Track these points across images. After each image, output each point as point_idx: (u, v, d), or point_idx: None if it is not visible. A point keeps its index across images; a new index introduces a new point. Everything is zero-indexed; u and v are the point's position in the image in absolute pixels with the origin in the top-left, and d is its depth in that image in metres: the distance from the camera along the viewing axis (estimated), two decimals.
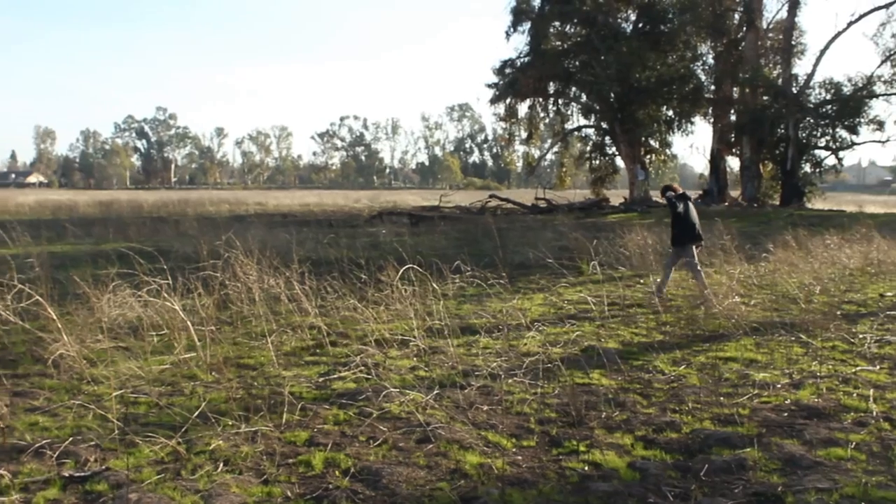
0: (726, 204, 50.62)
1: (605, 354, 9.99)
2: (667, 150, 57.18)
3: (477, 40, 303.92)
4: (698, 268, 15.15)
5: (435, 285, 12.23)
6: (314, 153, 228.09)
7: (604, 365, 9.64)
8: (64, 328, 9.84)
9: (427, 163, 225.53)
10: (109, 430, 7.30)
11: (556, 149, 66.54)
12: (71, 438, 7.11)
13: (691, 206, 15.70)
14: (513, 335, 11.50)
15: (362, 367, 9.47)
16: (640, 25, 54.95)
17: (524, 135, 62.76)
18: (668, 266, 15.81)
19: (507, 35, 58.43)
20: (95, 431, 7.40)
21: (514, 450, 6.96)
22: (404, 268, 11.14)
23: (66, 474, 6.37)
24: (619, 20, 56.06)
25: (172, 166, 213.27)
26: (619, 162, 58.47)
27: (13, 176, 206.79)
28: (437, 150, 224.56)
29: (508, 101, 58.95)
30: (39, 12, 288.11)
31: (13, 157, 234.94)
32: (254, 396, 8.49)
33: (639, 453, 6.87)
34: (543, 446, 7.07)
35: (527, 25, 57.05)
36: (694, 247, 15.43)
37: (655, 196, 49.53)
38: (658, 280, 15.49)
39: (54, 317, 9.62)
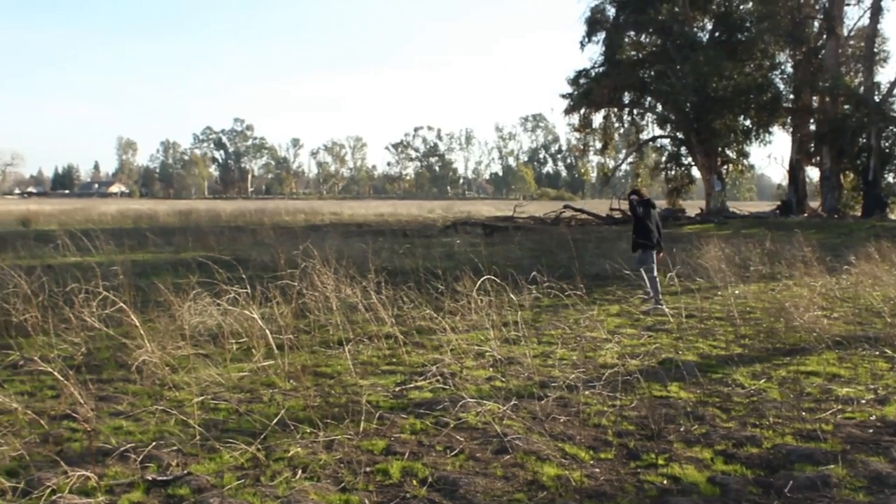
0: (805, 215, 49.79)
1: (684, 367, 9.87)
2: (744, 161, 56.38)
3: (551, 50, 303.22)
4: (654, 274, 15.37)
5: (511, 296, 12.20)
6: (388, 163, 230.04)
7: (682, 377, 9.53)
8: (146, 335, 10.06)
9: (501, 173, 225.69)
10: (191, 436, 7.42)
11: (630, 159, 66.04)
12: (154, 443, 7.24)
13: (653, 212, 16.17)
14: (589, 346, 11.42)
15: (438, 377, 9.50)
16: (717, 34, 54.37)
17: (599, 145, 62.40)
18: (646, 268, 15.81)
19: (582, 45, 58.35)
20: (177, 436, 7.52)
21: (591, 462, 6.90)
22: (482, 279, 11.15)
23: (150, 478, 6.48)
24: (696, 29, 55.52)
25: (249, 176, 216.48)
26: (695, 172, 57.88)
27: (96, 186, 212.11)
28: (511, 161, 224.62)
29: (583, 111, 58.73)
30: (123, 26, 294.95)
31: (96, 167, 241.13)
32: (331, 405, 8.55)
33: (719, 468, 6.76)
34: (621, 459, 7.00)
35: (601, 35, 56.86)
36: (654, 253, 15.83)
37: (733, 207, 48.86)
38: (650, 292, 15.39)
39: (137, 324, 9.84)
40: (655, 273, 15.52)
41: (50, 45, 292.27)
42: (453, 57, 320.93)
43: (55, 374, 7.80)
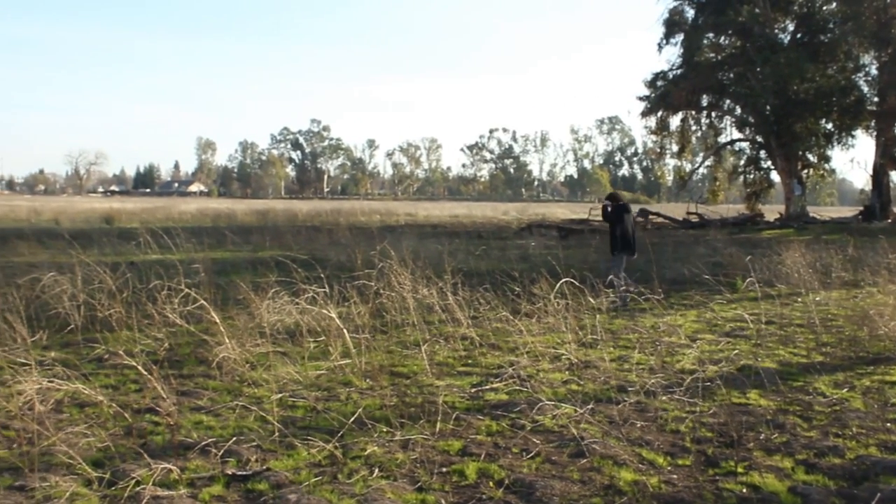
0: (889, 221, 48.58)
1: (763, 374, 9.71)
2: (825, 165, 55.31)
3: (627, 52, 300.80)
4: (619, 273, 15.82)
5: (591, 299, 12.13)
6: (463, 165, 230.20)
7: (762, 385, 9.37)
8: (226, 332, 10.23)
9: (576, 175, 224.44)
10: (269, 432, 7.52)
11: (708, 162, 65.08)
12: (234, 438, 7.34)
13: (626, 217, 16.71)
14: (667, 351, 11.32)
15: (514, 379, 9.50)
16: (799, 36, 53.34)
17: (675, 148, 61.68)
18: (616, 273, 15.92)
19: (660, 47, 57.73)
20: (256, 432, 7.64)
21: (669, 468, 6.83)
22: (560, 281, 11.11)
23: (230, 472, 6.59)
24: (776, 31, 54.50)
25: (325, 177, 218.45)
26: (775, 176, 56.91)
27: (176, 185, 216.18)
28: (586, 163, 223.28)
29: (660, 113, 58.08)
30: (205, 29, 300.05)
31: (176, 167, 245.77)
32: (407, 404, 8.60)
33: (800, 478, 6.64)
34: (699, 466, 6.91)
35: (679, 37, 56.18)
36: (630, 255, 16.60)
37: (813, 212, 47.91)
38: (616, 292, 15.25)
39: (217, 321, 10.01)
40: (619, 275, 15.72)
41: (134, 49, 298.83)
42: (530, 59, 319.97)
43: (139, 368, 7.98)
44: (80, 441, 7.29)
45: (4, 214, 55.43)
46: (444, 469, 6.74)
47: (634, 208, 58.55)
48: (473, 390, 9.28)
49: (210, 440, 7.24)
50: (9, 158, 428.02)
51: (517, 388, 9.22)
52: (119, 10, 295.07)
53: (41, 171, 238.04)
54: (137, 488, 6.08)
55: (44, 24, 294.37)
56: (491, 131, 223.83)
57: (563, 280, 11.03)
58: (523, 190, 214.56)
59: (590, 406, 8.23)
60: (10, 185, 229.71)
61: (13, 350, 10.05)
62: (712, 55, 56.34)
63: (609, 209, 16.83)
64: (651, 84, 57.52)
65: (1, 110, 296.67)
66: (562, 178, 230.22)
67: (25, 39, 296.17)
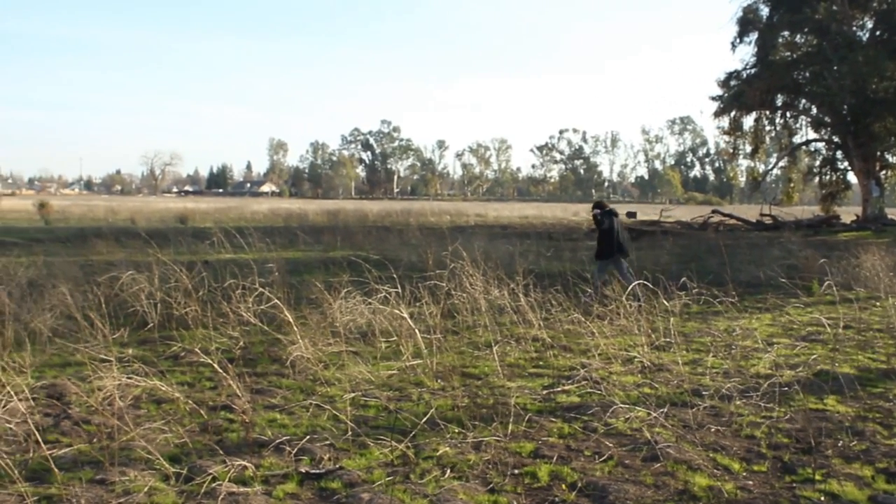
0: None
1: (842, 379, 9.51)
2: None
3: (700, 52, 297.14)
4: (628, 275, 16.09)
5: (665, 301, 12.01)
6: (533, 166, 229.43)
7: (840, 390, 9.19)
8: (299, 331, 10.33)
9: (646, 176, 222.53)
10: (342, 431, 7.59)
11: (782, 163, 63.94)
12: (307, 437, 7.41)
13: (616, 221, 17.04)
14: (741, 355, 11.16)
15: (586, 382, 9.45)
16: (878, 33, 52.06)
17: (749, 149, 60.63)
18: (598, 277, 16.55)
19: (733, 46, 56.81)
20: (329, 431, 7.70)
21: (744, 474, 6.73)
22: (633, 283, 11.01)
23: (303, 470, 6.65)
24: (854, 28, 53.30)
25: (395, 177, 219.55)
26: (852, 177, 55.68)
27: (248, 185, 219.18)
28: (657, 164, 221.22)
29: (733, 113, 57.17)
30: (277, 31, 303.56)
31: (249, 167, 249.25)
32: (479, 405, 8.60)
33: (880, 486, 6.49)
34: (775, 472, 6.80)
35: (754, 36, 55.23)
36: (622, 258, 16.90)
37: (892, 214, 46.80)
38: (591, 292, 15.24)
39: (290, 320, 10.10)
40: (600, 281, 16.25)
41: (210, 51, 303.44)
42: (602, 60, 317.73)
43: (215, 366, 8.10)
44: (158, 437, 7.43)
45: (83, 214, 56.71)
46: (517, 471, 6.73)
47: (706, 210, 57.95)
48: (545, 392, 9.25)
49: (284, 438, 7.32)
50: (87, 159, 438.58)
51: (589, 390, 9.18)
52: (196, 14, 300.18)
53: (118, 172, 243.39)
54: (214, 484, 6.17)
55: (122, 27, 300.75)
56: (561, 132, 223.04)
57: (636, 282, 10.93)
58: (593, 191, 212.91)
59: (663, 410, 8.16)
60: (89, 185, 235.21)
61: (93, 346, 10.28)
62: (787, 54, 55.26)
63: (599, 216, 17.21)
64: (724, 83, 56.65)
65: (80, 112, 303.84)
66: (632, 179, 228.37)
67: (105, 43, 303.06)
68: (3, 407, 7.54)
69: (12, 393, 7.15)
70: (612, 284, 12.79)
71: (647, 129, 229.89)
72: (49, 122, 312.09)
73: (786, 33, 54.78)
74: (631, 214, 47.99)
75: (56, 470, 6.38)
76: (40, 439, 6.69)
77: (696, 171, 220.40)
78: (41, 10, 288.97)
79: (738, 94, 54.46)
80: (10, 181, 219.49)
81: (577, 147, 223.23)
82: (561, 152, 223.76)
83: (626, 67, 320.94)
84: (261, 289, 11.18)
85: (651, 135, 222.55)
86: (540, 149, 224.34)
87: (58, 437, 7.63)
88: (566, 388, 9.36)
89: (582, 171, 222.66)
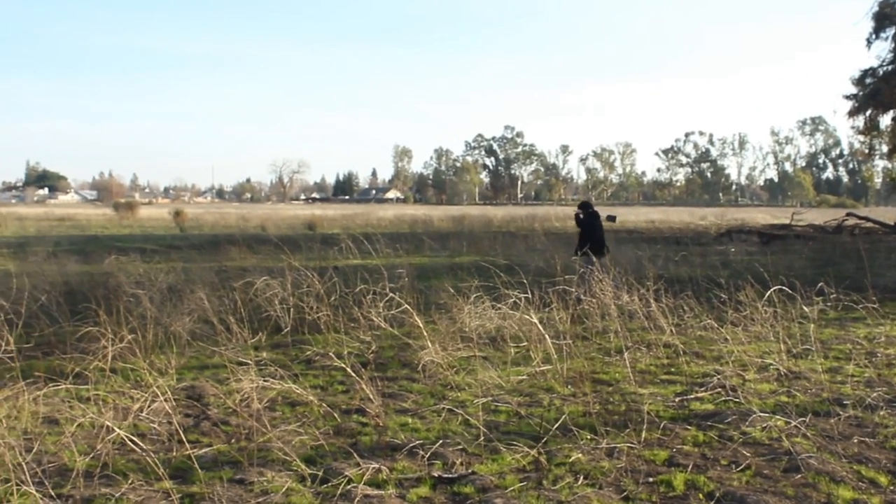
0: None
1: None
2: None
3: (832, 50, 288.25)
4: (587, 277, 15.68)
5: (804, 307, 11.65)
6: (658, 169, 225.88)
7: None
8: (429, 336, 10.40)
9: (776, 179, 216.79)
10: (474, 436, 7.60)
11: None
12: (440, 441, 7.45)
13: (597, 223, 17.69)
14: (885, 363, 10.75)
15: (720, 389, 9.24)
16: None
17: (886, 148, 58.44)
18: (583, 277, 16.12)
19: (868, 43, 54.76)
20: (461, 436, 7.72)
21: (892, 488, 6.46)
22: (770, 290, 10.73)
23: (436, 474, 6.69)
24: None
25: (519, 182, 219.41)
26: None
27: (374, 192, 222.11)
28: (787, 166, 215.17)
29: (869, 112, 55.13)
30: (402, 41, 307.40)
31: (374, 174, 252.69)
32: (611, 412, 8.51)
33: None
34: None
35: (891, 31, 53.17)
36: (602, 257, 16.85)
37: None
38: (576, 292, 14.39)
39: (420, 325, 10.18)
40: (587, 278, 15.71)
41: (335, 62, 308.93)
42: (730, 64, 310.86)
43: (348, 369, 8.23)
44: (294, 439, 7.57)
45: (216, 221, 58.39)
46: (651, 479, 6.62)
47: (840, 213, 56.11)
48: (678, 399, 9.08)
49: (416, 442, 7.37)
50: (219, 168, 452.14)
51: (723, 398, 8.97)
52: (323, 24, 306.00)
53: (248, 180, 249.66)
54: (349, 486, 6.26)
55: (251, 41, 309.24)
56: (687, 135, 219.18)
57: (775, 287, 10.64)
58: (720, 194, 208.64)
59: (803, 419, 7.91)
60: (220, 193, 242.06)
61: (230, 350, 10.58)
62: None
63: (581, 217, 17.73)
64: (859, 81, 54.70)
65: (212, 123, 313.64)
66: (761, 182, 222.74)
67: (235, 56, 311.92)
68: (148, 407, 7.84)
69: (158, 393, 7.41)
70: (744, 289, 12.39)
71: (776, 130, 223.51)
72: (183, 134, 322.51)
73: None
74: (611, 218, 46.85)
75: (198, 469, 6.58)
76: (184, 439, 6.91)
77: (828, 173, 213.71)
78: (175, 27, 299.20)
79: (874, 92, 52.51)
80: (147, 191, 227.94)
81: (703, 150, 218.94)
82: (687, 155, 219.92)
83: (755, 69, 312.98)
84: (391, 294, 11.31)
85: (780, 136, 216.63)
86: (665, 152, 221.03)
87: (198, 437, 7.85)
88: (700, 395, 9.17)
89: (709, 175, 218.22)
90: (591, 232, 17.41)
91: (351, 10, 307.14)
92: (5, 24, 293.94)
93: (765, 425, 7.85)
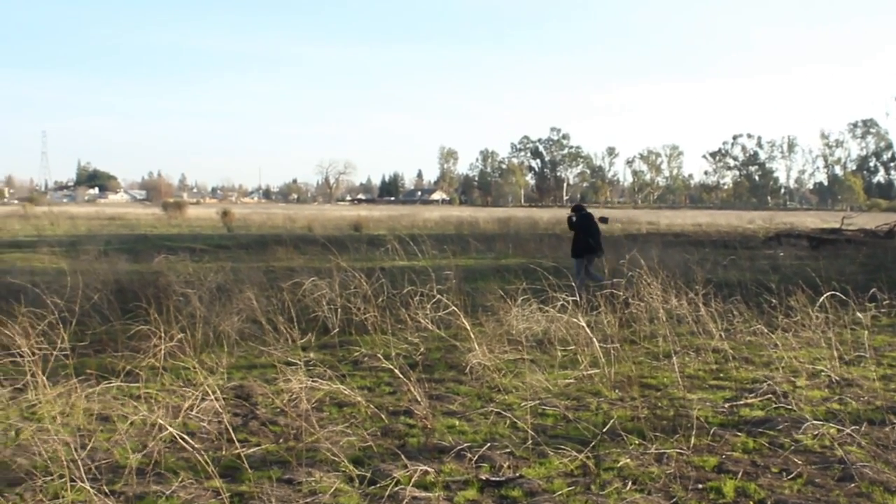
0: None
1: None
2: None
3: (885, 54, 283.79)
4: (595, 274, 17.62)
5: (858, 313, 11.48)
6: (705, 172, 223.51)
7: None
8: (475, 338, 10.38)
9: (826, 182, 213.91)
10: (521, 439, 7.58)
11: None
12: (487, 444, 7.44)
13: (591, 224, 18.26)
14: None
15: (770, 395, 9.14)
16: None
17: None
18: (580, 274, 17.41)
19: None
20: (508, 439, 7.70)
21: None
22: (825, 294, 10.58)
23: (484, 477, 6.68)
24: None
25: (564, 185, 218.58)
26: None
27: (419, 193, 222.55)
28: (837, 170, 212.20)
29: None
30: (447, 42, 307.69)
31: (419, 175, 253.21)
32: (659, 417, 8.44)
33: None
34: None
35: None
36: (595, 258, 18.18)
37: None
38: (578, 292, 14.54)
39: (467, 326, 10.17)
40: (579, 278, 16.87)
41: (380, 62, 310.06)
42: (776, 66, 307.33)
43: (396, 371, 8.24)
44: (342, 439, 7.60)
45: (263, 221, 58.82)
46: (700, 485, 6.56)
47: (893, 217, 55.23)
48: (727, 405, 8.98)
49: (464, 445, 7.36)
50: (266, 169, 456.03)
51: (774, 404, 8.86)
52: (369, 26, 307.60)
53: (294, 181, 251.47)
54: (396, 488, 6.27)
55: (297, 42, 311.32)
56: (735, 137, 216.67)
57: (828, 293, 10.49)
58: (769, 198, 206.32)
59: (856, 427, 7.79)
60: (267, 193, 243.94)
61: (277, 350, 10.64)
62: None
63: (574, 219, 18.44)
64: None
65: (258, 123, 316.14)
66: (810, 186, 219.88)
67: (281, 57, 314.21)
68: (198, 406, 7.91)
69: (208, 391, 7.47)
70: (794, 294, 12.24)
71: (826, 133, 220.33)
72: (230, 134, 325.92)
73: None
74: (603, 220, 46.31)
75: (247, 468, 6.63)
76: (234, 438, 6.97)
77: (879, 177, 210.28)
78: (222, 28, 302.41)
79: None
80: (195, 191, 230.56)
81: (751, 152, 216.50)
82: (735, 158, 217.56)
83: (805, 71, 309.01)
84: (437, 295, 11.31)
85: (831, 139, 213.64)
86: (713, 155, 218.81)
87: (246, 436, 7.91)
88: (749, 401, 9.07)
89: (757, 178, 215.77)
90: (585, 234, 18.03)
91: (398, 10, 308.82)
92: (61, 25, 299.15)
93: (816, 433, 7.75)
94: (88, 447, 7.29)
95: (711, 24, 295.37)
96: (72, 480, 5.95)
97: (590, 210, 19.20)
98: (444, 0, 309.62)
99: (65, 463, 6.06)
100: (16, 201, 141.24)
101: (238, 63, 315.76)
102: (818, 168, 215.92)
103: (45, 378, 8.02)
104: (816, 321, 11.41)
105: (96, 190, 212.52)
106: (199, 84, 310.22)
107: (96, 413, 8.33)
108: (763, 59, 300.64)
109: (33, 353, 8.34)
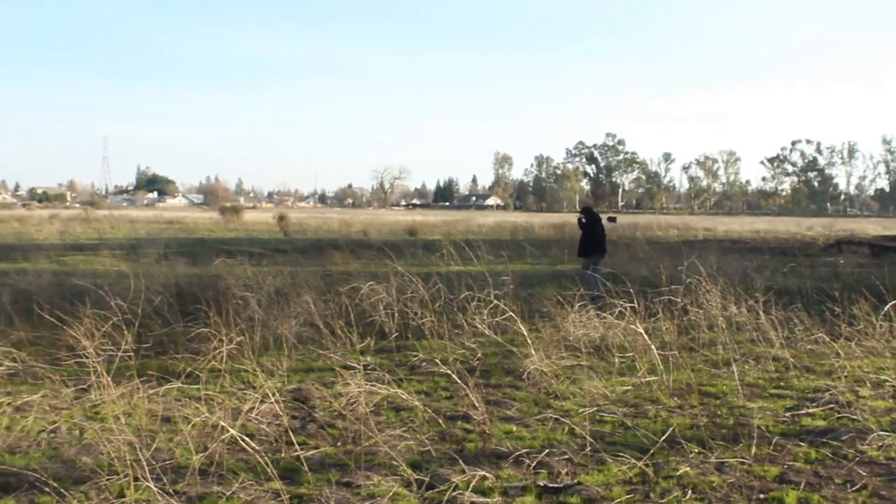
0: None
1: None
2: None
3: None
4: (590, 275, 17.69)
5: None
6: (763, 178, 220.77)
7: None
8: (532, 344, 10.36)
9: (887, 189, 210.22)
10: (579, 446, 7.54)
11: None
12: (545, 450, 7.41)
13: (598, 226, 19.24)
14: None
15: (833, 405, 8.99)
16: None
17: None
18: (587, 275, 17.90)
19: None
20: (566, 445, 7.67)
21: None
22: (890, 303, 10.40)
23: (542, 483, 6.66)
24: None
25: (620, 190, 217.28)
26: None
27: (474, 198, 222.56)
28: None
29: None
30: (503, 48, 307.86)
31: (474, 181, 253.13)
32: (719, 425, 8.35)
33: None
34: None
35: None
36: (599, 257, 18.91)
37: None
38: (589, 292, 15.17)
39: (524, 332, 10.15)
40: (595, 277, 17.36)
41: (435, 69, 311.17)
42: (836, 72, 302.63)
43: (454, 376, 8.25)
44: (400, 443, 7.62)
45: (318, 226, 59.20)
46: (762, 495, 6.48)
47: None
48: (788, 414, 8.86)
49: (522, 451, 7.34)
50: (321, 174, 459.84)
51: (837, 414, 8.72)
52: (425, 32, 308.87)
53: (349, 186, 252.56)
54: (455, 493, 6.27)
55: (350, 47, 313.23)
56: (793, 143, 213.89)
57: (893, 302, 10.31)
58: (828, 204, 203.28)
59: None
60: (322, 198, 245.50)
61: (335, 353, 10.70)
62: None
63: (584, 220, 19.18)
64: None
65: (315, 129, 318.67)
66: (871, 192, 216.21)
67: (336, 63, 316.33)
68: (258, 408, 7.99)
69: (268, 394, 7.54)
70: (858, 302, 12.03)
71: (888, 138, 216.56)
72: (286, 139, 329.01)
73: None
74: (612, 220, 45.53)
75: (307, 470, 6.68)
76: (294, 440, 7.02)
77: None
78: (274, 34, 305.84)
79: None
80: (251, 195, 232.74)
81: (810, 159, 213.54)
82: (793, 164, 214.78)
83: (865, 76, 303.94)
84: (495, 301, 11.30)
85: (893, 145, 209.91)
86: (771, 161, 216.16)
87: (304, 438, 7.96)
88: (811, 410, 8.94)
89: (816, 184, 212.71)
90: (592, 235, 18.79)
91: (451, 17, 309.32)
92: (120, 32, 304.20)
93: (882, 444, 7.63)
94: (152, 448, 7.39)
95: (770, 30, 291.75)
96: (136, 480, 6.05)
97: (613, 214, 19.99)
98: (503, 11, 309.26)
99: (129, 462, 6.16)
100: (78, 205, 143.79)
101: (292, 68, 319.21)
102: (879, 174, 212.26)
103: (109, 379, 8.16)
104: (880, 330, 11.22)
105: (155, 194, 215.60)
106: (254, 90, 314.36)
107: (158, 414, 8.45)
108: (822, 65, 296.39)
109: (98, 354, 8.49)
